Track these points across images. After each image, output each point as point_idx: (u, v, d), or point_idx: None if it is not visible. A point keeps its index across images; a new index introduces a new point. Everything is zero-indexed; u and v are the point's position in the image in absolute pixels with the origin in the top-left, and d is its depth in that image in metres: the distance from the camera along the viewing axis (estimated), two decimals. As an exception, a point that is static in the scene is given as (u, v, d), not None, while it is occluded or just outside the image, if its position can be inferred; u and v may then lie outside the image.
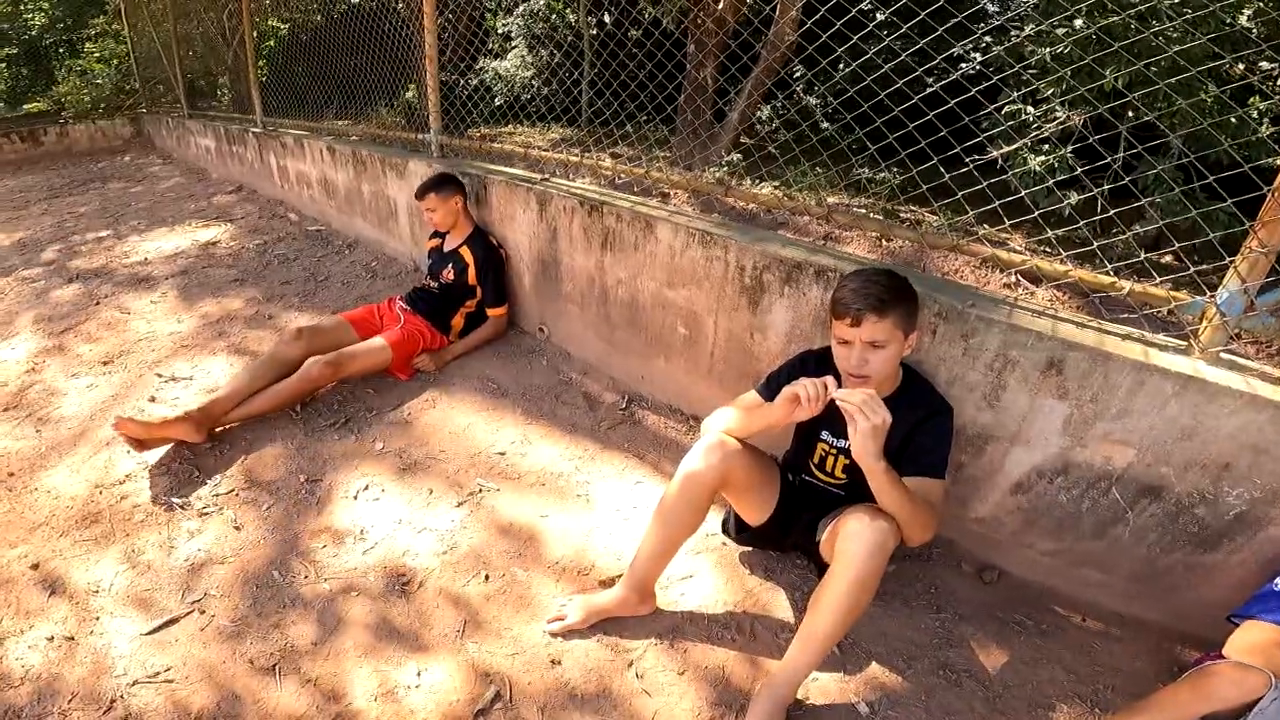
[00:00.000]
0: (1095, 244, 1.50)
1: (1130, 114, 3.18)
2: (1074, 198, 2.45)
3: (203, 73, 7.18)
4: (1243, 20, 3.20)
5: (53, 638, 1.51)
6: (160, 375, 2.61)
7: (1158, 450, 1.34)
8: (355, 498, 1.93)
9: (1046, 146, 3.47)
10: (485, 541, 1.77)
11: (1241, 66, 3.02)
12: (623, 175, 2.46)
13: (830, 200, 2.36)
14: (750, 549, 1.72)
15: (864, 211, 2.98)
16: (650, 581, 1.51)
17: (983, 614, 1.56)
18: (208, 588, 1.64)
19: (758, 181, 3.56)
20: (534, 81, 7.69)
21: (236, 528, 1.83)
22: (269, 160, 5.16)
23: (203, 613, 1.57)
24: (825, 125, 4.43)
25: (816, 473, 1.55)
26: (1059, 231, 1.65)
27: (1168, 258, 3.31)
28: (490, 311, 2.75)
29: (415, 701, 1.36)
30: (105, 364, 2.72)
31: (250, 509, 1.90)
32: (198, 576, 1.67)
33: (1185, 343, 1.35)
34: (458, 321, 2.73)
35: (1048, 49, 3.33)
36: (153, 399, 2.45)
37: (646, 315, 2.27)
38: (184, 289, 3.52)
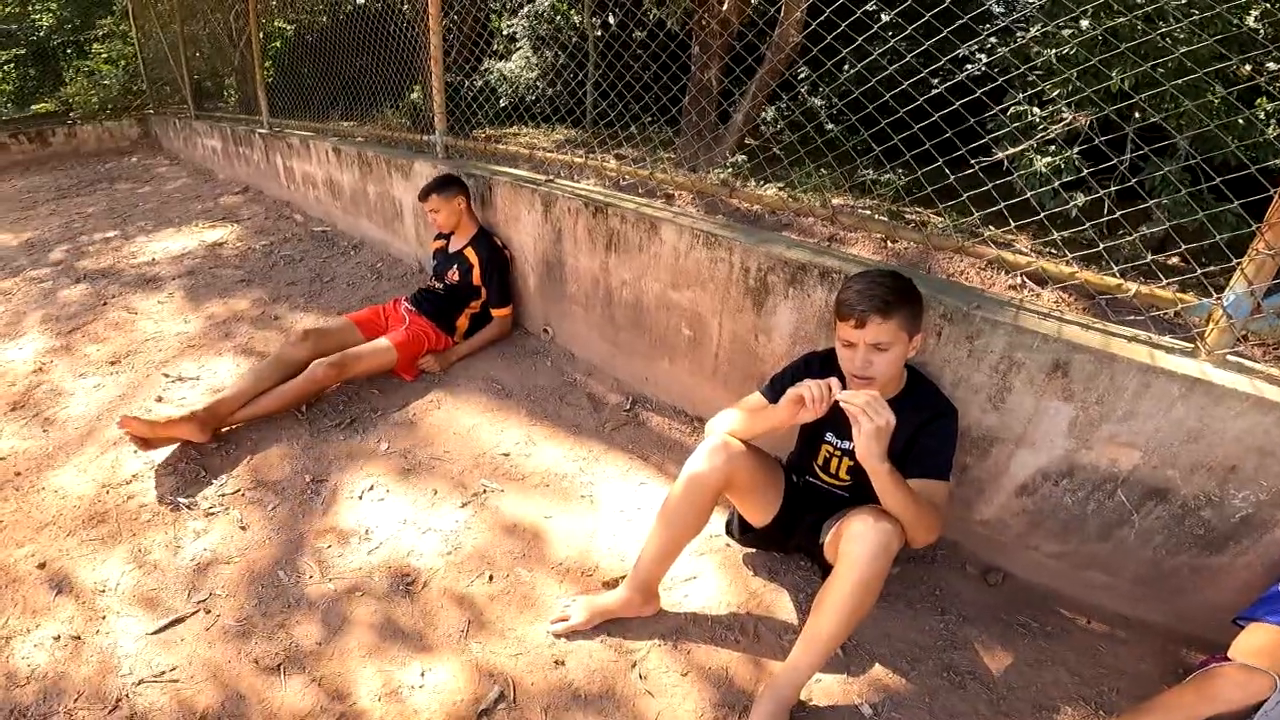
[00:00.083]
0: (1101, 246, 1.50)
1: (1137, 115, 3.17)
2: (1080, 199, 2.44)
3: (209, 74, 7.21)
4: (1250, 21, 3.18)
5: (59, 637, 1.52)
6: (167, 375, 2.62)
7: (1163, 452, 1.34)
8: (360, 498, 1.94)
9: (1053, 148, 3.45)
10: (489, 542, 1.77)
11: (1249, 67, 3.00)
12: (627, 176, 2.47)
13: (835, 202, 2.36)
14: (754, 550, 1.72)
15: (869, 213, 2.98)
16: (654, 582, 1.51)
17: (987, 616, 1.55)
18: (213, 587, 1.65)
19: (762, 183, 3.56)
20: (539, 83, 7.70)
21: (242, 528, 1.84)
22: (275, 161, 5.19)
23: (208, 612, 1.58)
24: (830, 127, 4.43)
25: (821, 474, 1.55)
26: (1065, 233, 1.64)
27: (1174, 259, 3.29)
28: (495, 312, 2.75)
29: (419, 701, 1.37)
30: (112, 364, 2.74)
31: (256, 509, 1.91)
32: (203, 576, 1.68)
33: (1191, 345, 1.35)
34: (462, 322, 2.74)
35: (1054, 50, 3.32)
36: (159, 399, 2.46)
37: (651, 317, 2.27)
38: (191, 289, 3.54)
